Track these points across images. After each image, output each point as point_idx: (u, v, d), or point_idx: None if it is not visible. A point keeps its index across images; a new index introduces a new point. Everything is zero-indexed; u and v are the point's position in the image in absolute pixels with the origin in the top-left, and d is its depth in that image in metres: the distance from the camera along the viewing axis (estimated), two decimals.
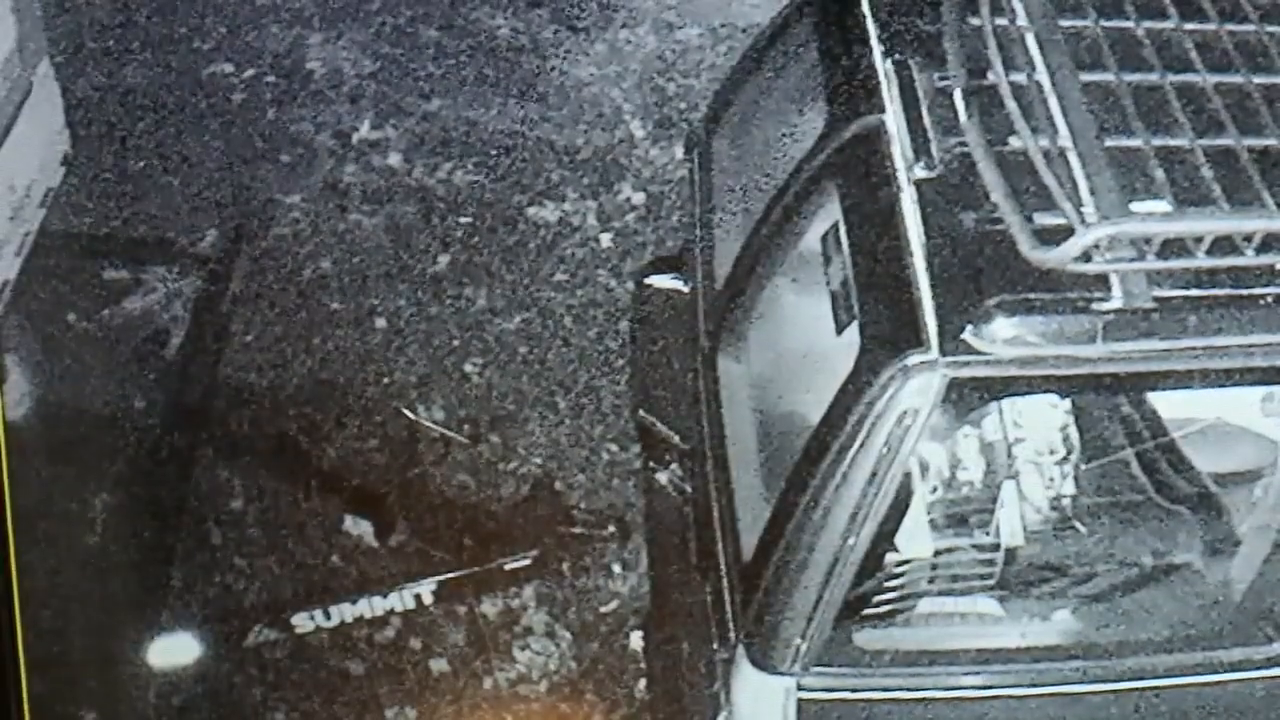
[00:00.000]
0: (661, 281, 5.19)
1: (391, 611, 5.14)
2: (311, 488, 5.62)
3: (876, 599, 4.13)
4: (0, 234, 5.20)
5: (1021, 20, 4.29)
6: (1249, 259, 3.87)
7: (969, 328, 3.84)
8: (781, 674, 4.06)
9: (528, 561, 5.10)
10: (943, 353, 3.85)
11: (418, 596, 5.10)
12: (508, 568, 5.11)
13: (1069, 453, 4.41)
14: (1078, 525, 4.36)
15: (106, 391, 5.76)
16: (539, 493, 5.23)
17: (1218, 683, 4.17)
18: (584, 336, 6.19)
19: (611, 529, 5.50)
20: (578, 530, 5.40)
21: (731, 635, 4.20)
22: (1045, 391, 4.24)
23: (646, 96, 7.01)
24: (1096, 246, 3.80)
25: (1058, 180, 3.88)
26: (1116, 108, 4.13)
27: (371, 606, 5.10)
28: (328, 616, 5.11)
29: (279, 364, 6.06)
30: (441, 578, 5.13)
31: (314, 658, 5.30)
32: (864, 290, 4.18)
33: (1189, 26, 4.32)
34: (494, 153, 6.81)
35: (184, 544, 5.47)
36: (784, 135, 4.79)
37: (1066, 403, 4.44)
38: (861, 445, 3.91)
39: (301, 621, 5.11)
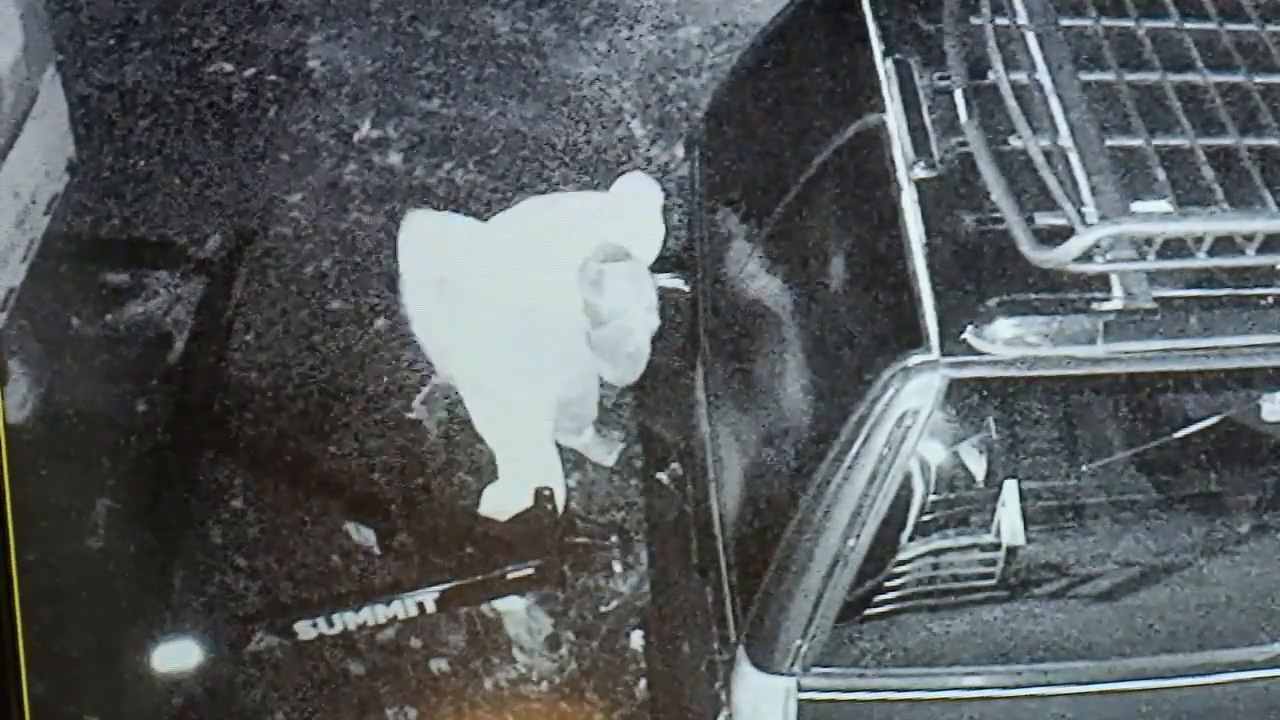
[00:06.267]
0: (662, 281, 5.19)
1: (394, 619, 5.13)
2: (314, 494, 5.61)
3: (876, 599, 4.13)
4: (6, 241, 5.20)
5: (1022, 19, 4.29)
6: (1250, 259, 3.87)
7: (969, 328, 3.84)
8: (782, 674, 4.06)
9: (530, 570, 5.09)
10: (943, 353, 3.85)
11: (420, 604, 5.10)
12: (510, 576, 5.10)
13: (1069, 452, 4.41)
14: (1078, 525, 4.36)
15: (110, 395, 5.75)
16: (541, 499, 5.22)
17: (1218, 683, 4.17)
18: None
19: (614, 537, 5.51)
20: (581, 540, 5.41)
21: (732, 635, 4.20)
22: (1046, 392, 4.24)
23: (647, 96, 7.01)
24: (1097, 246, 3.80)
25: (1058, 180, 3.88)
26: (1117, 107, 4.13)
27: (374, 614, 5.09)
28: (330, 624, 5.10)
29: (280, 364, 6.06)
30: (444, 586, 5.12)
31: (316, 665, 5.29)
32: (864, 290, 4.19)
33: (1189, 26, 4.32)
34: (494, 152, 6.81)
35: (186, 549, 5.47)
36: (784, 134, 4.79)
37: (1067, 402, 4.45)
38: (862, 446, 3.91)
39: (304, 629, 5.10)
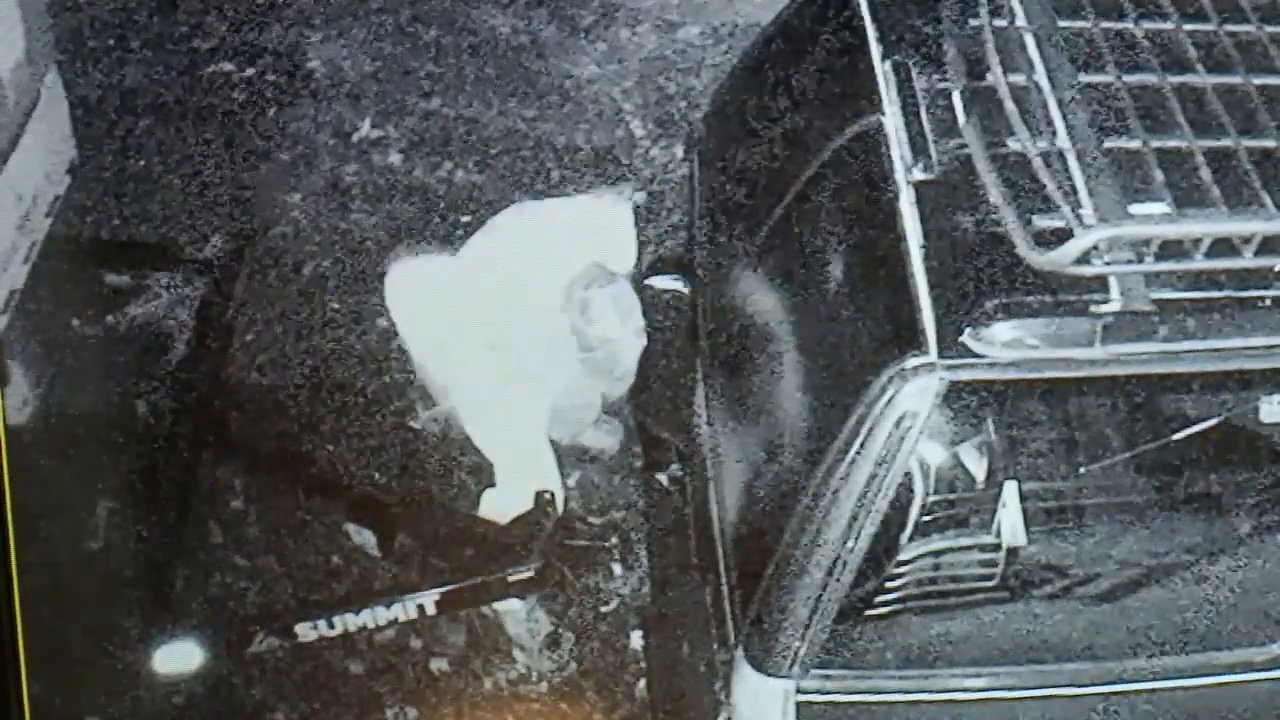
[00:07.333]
0: (661, 282, 5.19)
1: (394, 621, 5.14)
2: (314, 495, 5.61)
3: (876, 600, 4.13)
4: (8, 243, 5.19)
5: (1020, 21, 4.29)
6: (1248, 261, 3.87)
7: (968, 330, 3.84)
8: (781, 676, 4.06)
9: (530, 572, 5.10)
10: (941, 355, 3.85)
11: (420, 607, 5.11)
12: (510, 578, 5.11)
13: (1068, 454, 4.41)
14: (1078, 526, 4.36)
15: (111, 395, 5.74)
16: (541, 501, 5.23)
17: (1218, 684, 4.17)
18: None
19: (614, 538, 5.51)
20: (580, 541, 5.41)
21: (731, 636, 4.20)
22: (1044, 394, 4.24)
23: (647, 96, 7.01)
24: (1095, 249, 3.80)
25: (1056, 182, 3.88)
26: (1115, 109, 4.13)
27: (375, 616, 5.11)
28: (331, 625, 5.11)
29: (280, 364, 6.06)
30: (444, 588, 5.13)
31: (317, 667, 5.30)
32: (863, 292, 4.19)
33: (1188, 27, 4.32)
34: (494, 152, 6.81)
35: (186, 549, 5.47)
36: (783, 136, 4.79)
37: (1066, 403, 4.45)
38: (861, 447, 3.91)
39: (304, 630, 5.11)
